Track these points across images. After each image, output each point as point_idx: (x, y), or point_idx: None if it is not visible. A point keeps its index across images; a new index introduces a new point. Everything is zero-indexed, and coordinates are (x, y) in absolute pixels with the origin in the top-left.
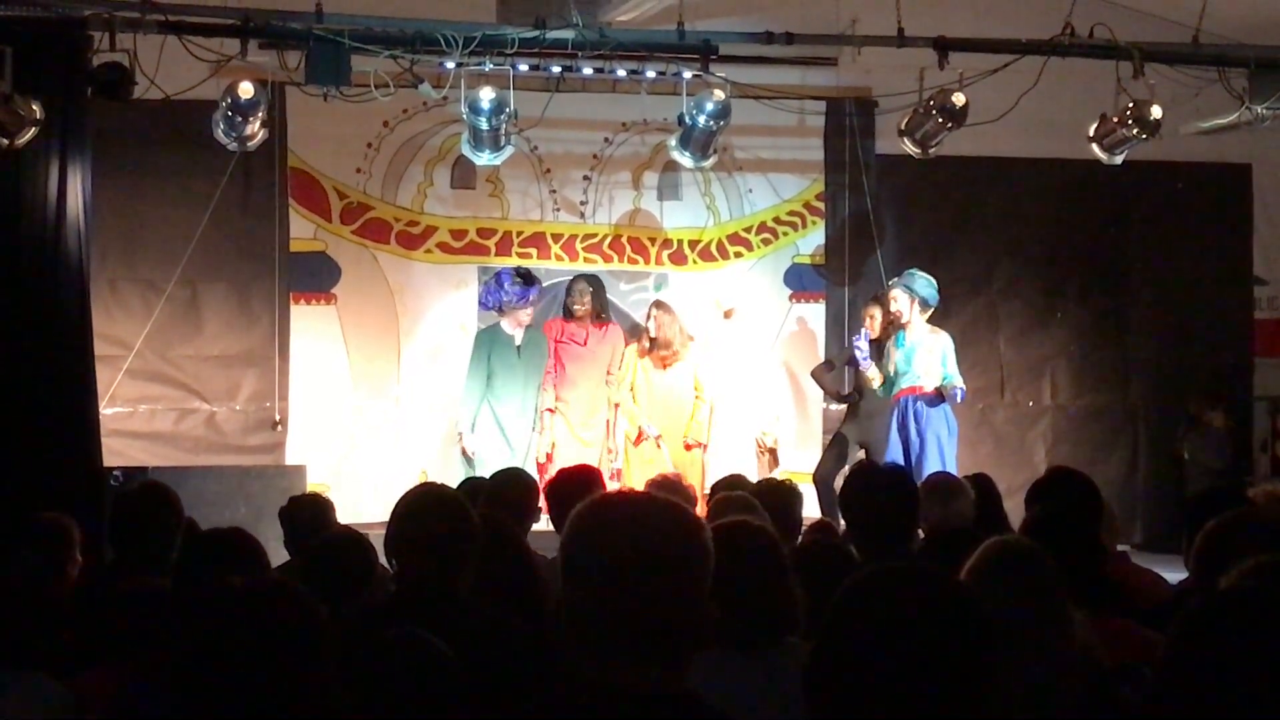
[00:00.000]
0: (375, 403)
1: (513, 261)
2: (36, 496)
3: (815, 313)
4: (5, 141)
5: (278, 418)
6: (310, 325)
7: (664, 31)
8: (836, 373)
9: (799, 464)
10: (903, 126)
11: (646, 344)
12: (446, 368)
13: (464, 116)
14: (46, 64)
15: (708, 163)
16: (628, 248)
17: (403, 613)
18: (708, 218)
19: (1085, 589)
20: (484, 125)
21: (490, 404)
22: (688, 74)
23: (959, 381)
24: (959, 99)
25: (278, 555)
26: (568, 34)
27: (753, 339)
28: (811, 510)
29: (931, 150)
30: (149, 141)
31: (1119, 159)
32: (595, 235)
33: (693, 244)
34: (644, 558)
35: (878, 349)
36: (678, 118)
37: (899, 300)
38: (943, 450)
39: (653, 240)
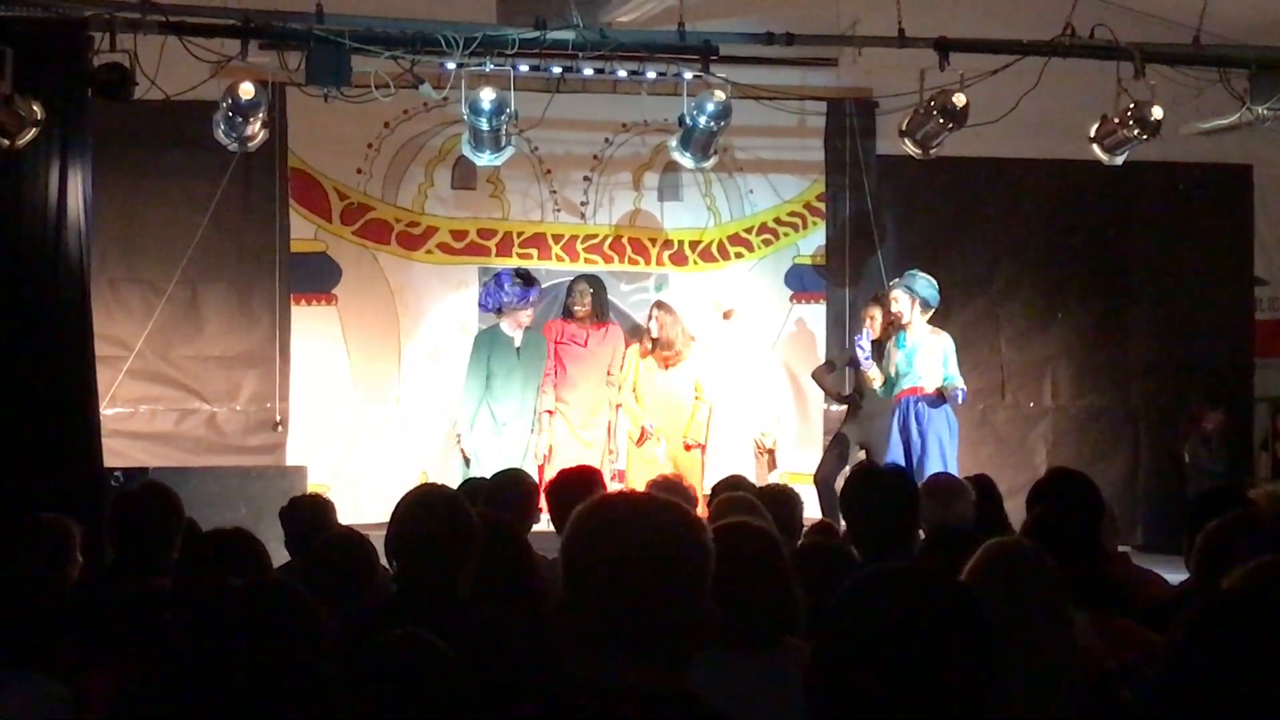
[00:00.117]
0: (376, 403)
1: (513, 262)
2: (37, 497)
3: (816, 313)
4: (6, 142)
5: (278, 418)
6: (311, 326)
7: (664, 32)
8: (837, 374)
9: (800, 465)
10: (903, 127)
11: (648, 345)
12: (447, 368)
13: (464, 117)
14: (47, 65)
15: (708, 163)
16: (628, 248)
17: (403, 613)
18: (708, 218)
19: (1086, 590)
20: (484, 126)
21: (489, 405)
22: (688, 75)
23: (960, 383)
24: (959, 100)
25: (278, 556)
26: (568, 35)
27: (753, 340)
28: (812, 511)
29: (932, 151)
30: (149, 142)
31: (1120, 160)
32: (596, 236)
33: (693, 245)
34: (645, 558)
35: (878, 350)
36: (678, 118)
37: (900, 301)
38: (944, 451)
39: (653, 241)
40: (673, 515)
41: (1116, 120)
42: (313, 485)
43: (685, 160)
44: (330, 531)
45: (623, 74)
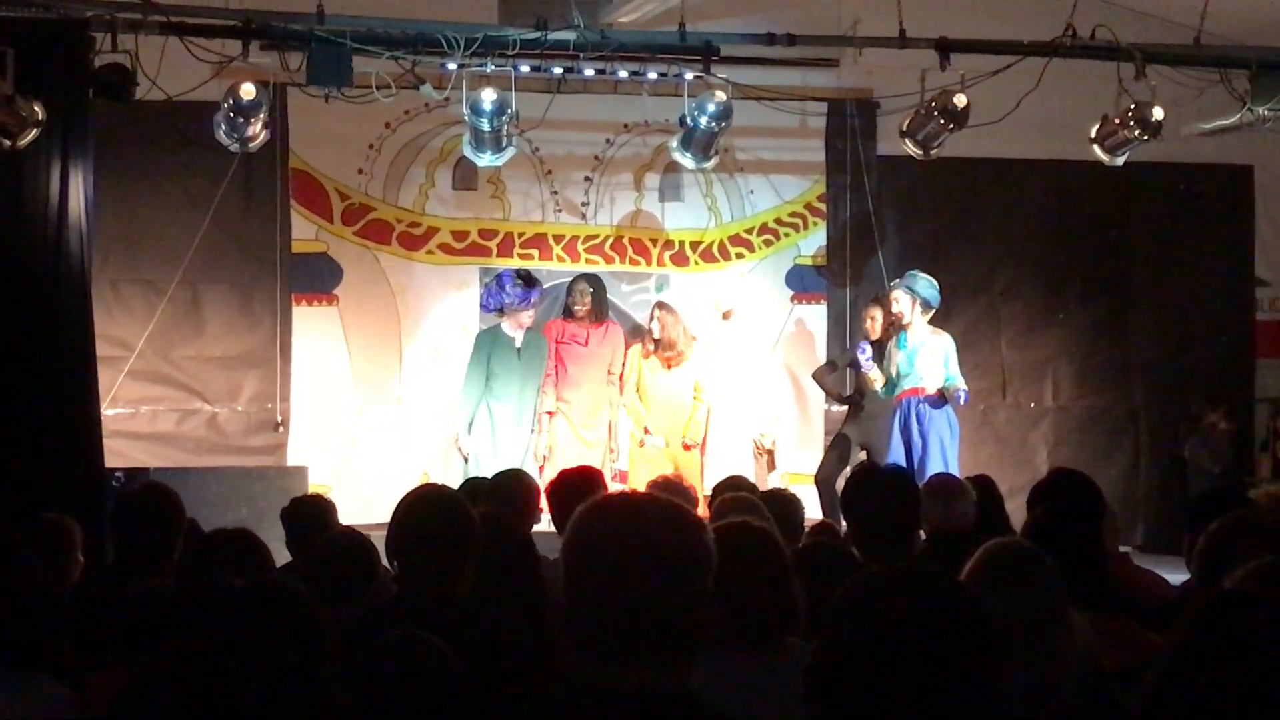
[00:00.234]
0: (377, 404)
1: (514, 263)
2: (38, 497)
3: (816, 314)
4: (7, 143)
5: (279, 419)
6: (312, 326)
7: (665, 33)
8: (838, 374)
9: (800, 465)
10: (904, 128)
11: (650, 345)
12: (448, 369)
13: (465, 118)
14: (48, 65)
15: (709, 164)
16: (629, 249)
17: (404, 613)
18: (709, 219)
19: (1087, 590)
20: (485, 126)
21: (489, 405)
22: (689, 75)
23: (961, 383)
24: (960, 100)
25: (280, 556)
26: (569, 35)
27: (753, 340)
28: (813, 512)
29: (933, 151)
30: (151, 143)
31: (1120, 160)
32: (597, 236)
33: (694, 245)
34: (646, 559)
35: (879, 350)
36: (679, 119)
37: (900, 301)
38: (944, 451)
39: (654, 241)
40: (674, 516)
41: (1117, 121)
42: (314, 485)
43: (686, 161)
44: (331, 532)
45: (624, 74)
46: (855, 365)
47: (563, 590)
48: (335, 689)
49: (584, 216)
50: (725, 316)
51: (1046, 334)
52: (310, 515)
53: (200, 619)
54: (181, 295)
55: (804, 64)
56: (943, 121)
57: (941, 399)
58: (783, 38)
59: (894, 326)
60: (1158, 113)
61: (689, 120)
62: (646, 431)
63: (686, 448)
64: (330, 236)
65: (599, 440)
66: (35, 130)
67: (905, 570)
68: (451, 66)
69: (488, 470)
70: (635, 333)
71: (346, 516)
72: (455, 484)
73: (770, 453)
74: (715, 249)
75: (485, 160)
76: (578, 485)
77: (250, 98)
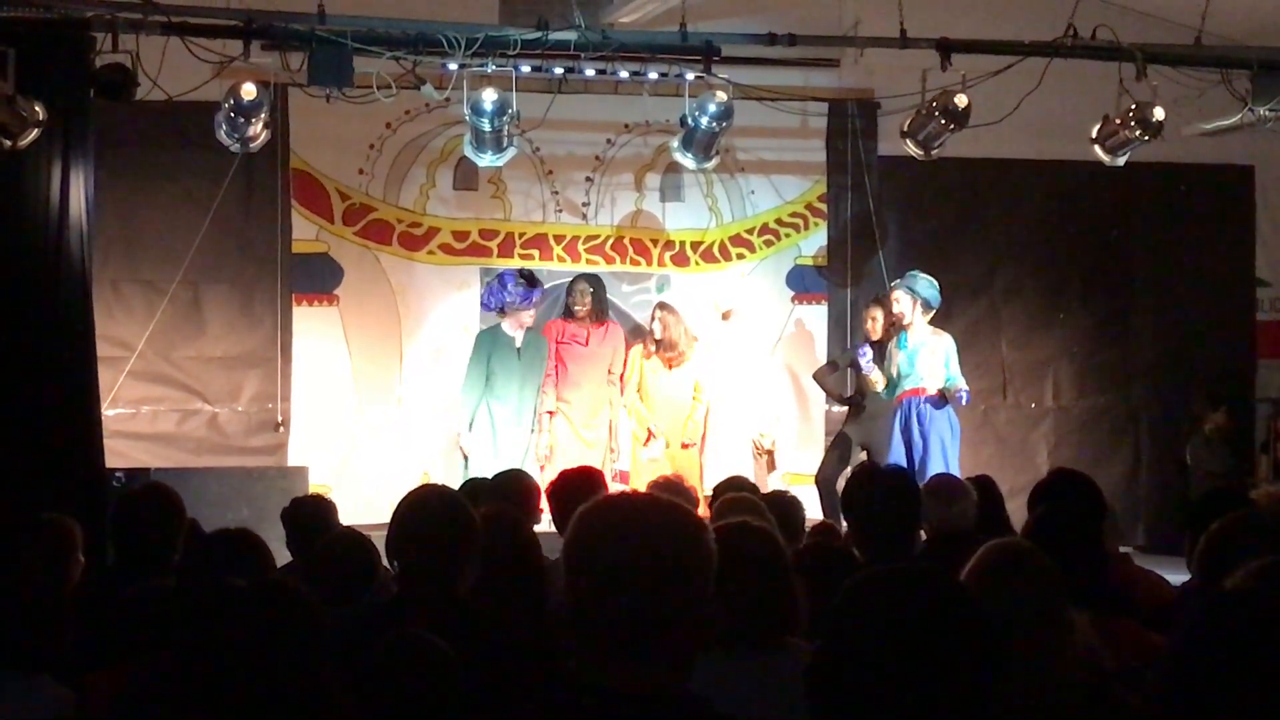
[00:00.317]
0: (377, 404)
1: (515, 263)
2: (38, 497)
3: (817, 314)
4: (8, 143)
5: (280, 419)
6: (312, 326)
7: (666, 33)
8: (839, 375)
9: (801, 466)
10: (905, 128)
11: (652, 346)
12: (449, 369)
13: (466, 118)
14: (49, 65)
15: (710, 164)
16: (630, 249)
17: (404, 613)
18: (710, 219)
19: (1088, 591)
20: (486, 126)
21: (489, 404)
22: (690, 75)
23: (962, 384)
24: (961, 100)
25: (280, 556)
26: (570, 35)
27: (754, 340)
28: (813, 512)
29: (934, 152)
30: (151, 143)
31: (1121, 160)
32: (597, 236)
33: (695, 245)
34: (647, 559)
35: (880, 351)
36: (680, 119)
37: (901, 302)
38: (945, 452)
39: (655, 242)
40: (675, 516)
41: (1118, 121)
42: (314, 486)
43: (687, 161)
44: (332, 532)
45: (624, 75)
46: (856, 366)
47: (564, 590)
48: (335, 689)
49: (585, 217)
50: (725, 317)
51: (1047, 334)
52: (311, 515)
53: (201, 619)
54: (182, 295)
55: (805, 64)
56: (943, 122)
57: (942, 399)
58: (784, 38)
59: (895, 327)
60: (1158, 113)
61: (690, 120)
62: (650, 434)
63: (684, 446)
64: (331, 237)
65: (599, 440)
66: (36, 130)
67: (905, 570)
68: (452, 66)
69: (488, 470)
70: (636, 333)
71: (347, 516)
72: (455, 484)
73: (770, 453)
74: (716, 249)
75: (486, 160)
76: (578, 486)
77: (251, 98)
